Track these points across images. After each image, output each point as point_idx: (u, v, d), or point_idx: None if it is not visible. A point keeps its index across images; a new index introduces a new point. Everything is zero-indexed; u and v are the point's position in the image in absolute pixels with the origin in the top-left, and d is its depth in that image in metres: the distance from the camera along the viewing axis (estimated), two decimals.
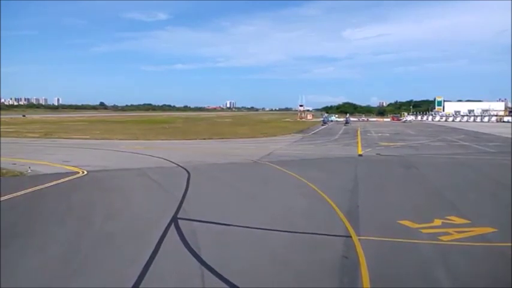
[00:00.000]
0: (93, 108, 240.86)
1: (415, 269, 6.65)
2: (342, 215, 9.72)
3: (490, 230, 8.54)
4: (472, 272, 6.62)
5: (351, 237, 8.08)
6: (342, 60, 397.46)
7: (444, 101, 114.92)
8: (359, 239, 7.88)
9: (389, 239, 8.02)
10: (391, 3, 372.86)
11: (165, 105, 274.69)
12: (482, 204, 11.35)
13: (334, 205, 10.68)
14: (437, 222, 9.13)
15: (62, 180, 14.34)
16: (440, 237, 8.05)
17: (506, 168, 17.97)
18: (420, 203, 11.39)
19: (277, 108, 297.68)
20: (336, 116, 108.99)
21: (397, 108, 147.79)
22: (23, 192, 12.13)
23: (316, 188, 12.92)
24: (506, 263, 6.83)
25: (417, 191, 13.31)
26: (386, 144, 31.14)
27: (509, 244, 7.58)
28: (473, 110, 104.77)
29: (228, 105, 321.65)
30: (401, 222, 9.11)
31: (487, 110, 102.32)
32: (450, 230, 8.50)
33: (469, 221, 9.24)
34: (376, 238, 8.06)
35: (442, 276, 6.27)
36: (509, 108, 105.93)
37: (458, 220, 9.32)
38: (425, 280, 6.24)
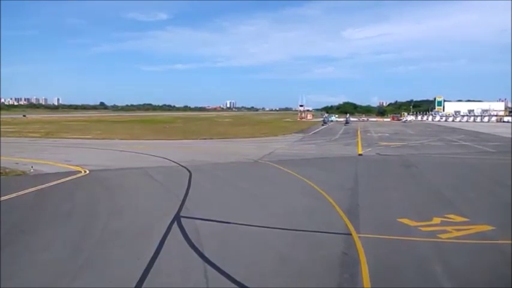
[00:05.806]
0: (93, 108, 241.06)
1: (414, 265, 6.76)
2: (342, 213, 9.84)
3: (488, 227, 8.66)
4: (470, 268, 6.73)
5: (351, 234, 8.21)
6: (342, 60, 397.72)
7: (444, 101, 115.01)
8: (359, 237, 8.01)
9: (389, 237, 8.14)
10: (391, 3, 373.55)
11: (165, 105, 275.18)
12: (481, 203, 11.46)
13: (334, 203, 10.80)
14: (436, 220, 9.25)
15: (65, 179, 14.47)
16: (439, 235, 8.18)
17: (505, 167, 18.07)
18: (419, 201, 11.52)
19: (277, 108, 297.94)
20: (336, 116, 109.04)
21: (397, 108, 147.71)
22: (25, 191, 12.25)
23: (316, 187, 13.05)
24: (504, 260, 6.96)
25: (416, 189, 13.43)
26: (386, 144, 31.25)
27: (507, 241, 7.70)
28: (473, 110, 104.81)
29: (228, 105, 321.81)
30: (400, 220, 9.24)
31: (487, 110, 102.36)
32: (449, 228, 8.62)
33: (467, 219, 9.37)
34: (375, 236, 8.18)
35: (440, 273, 6.39)
36: (509, 108, 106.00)
37: (456, 218, 9.44)
38: (424, 277, 6.35)
